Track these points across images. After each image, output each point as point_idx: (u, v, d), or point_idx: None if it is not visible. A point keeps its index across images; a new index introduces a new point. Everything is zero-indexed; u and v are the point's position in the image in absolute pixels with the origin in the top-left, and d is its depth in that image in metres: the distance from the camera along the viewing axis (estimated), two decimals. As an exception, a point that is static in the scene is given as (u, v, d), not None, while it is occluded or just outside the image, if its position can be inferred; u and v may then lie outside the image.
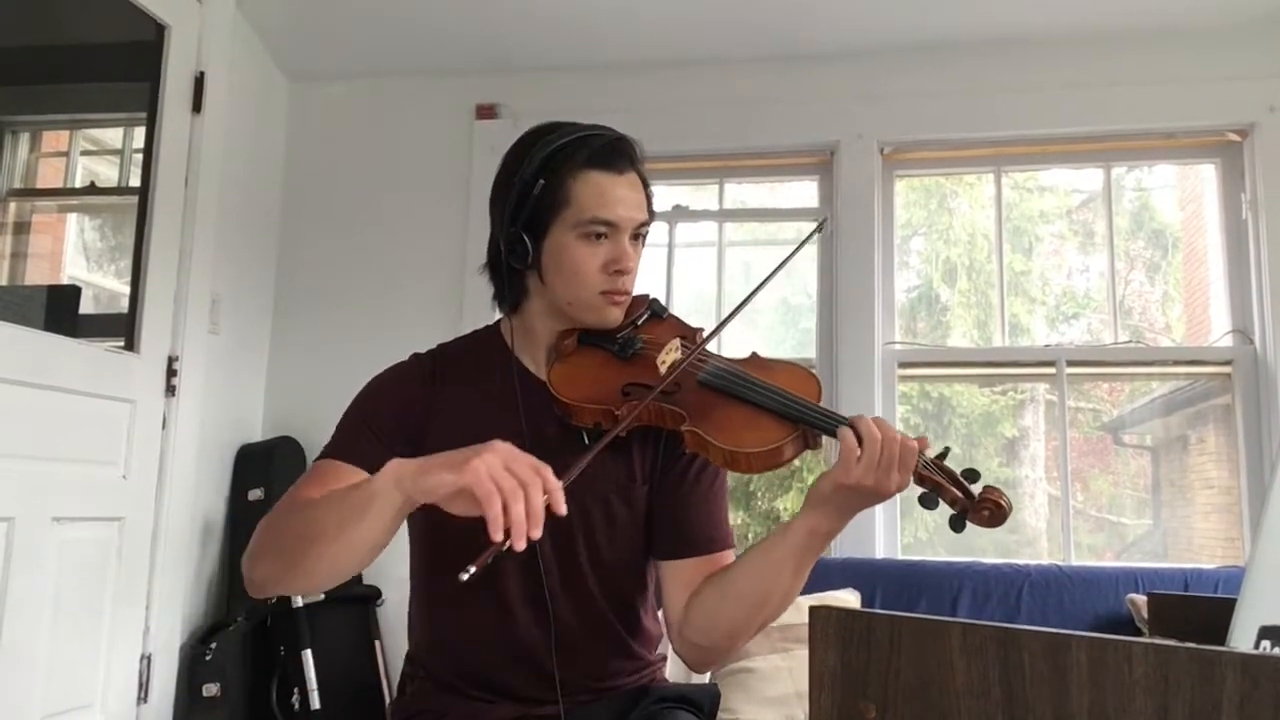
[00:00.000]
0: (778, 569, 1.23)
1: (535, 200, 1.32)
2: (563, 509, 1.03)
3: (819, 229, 1.43)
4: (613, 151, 1.35)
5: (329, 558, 1.14)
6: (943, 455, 1.21)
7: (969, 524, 1.18)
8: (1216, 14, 2.88)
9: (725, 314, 1.37)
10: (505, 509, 0.99)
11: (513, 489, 1.00)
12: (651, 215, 1.40)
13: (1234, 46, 2.92)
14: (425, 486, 1.04)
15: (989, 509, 1.16)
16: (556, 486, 1.03)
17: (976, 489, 1.18)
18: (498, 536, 0.98)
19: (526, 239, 1.33)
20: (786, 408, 1.23)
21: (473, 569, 0.97)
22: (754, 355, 1.37)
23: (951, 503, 1.18)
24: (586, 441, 1.33)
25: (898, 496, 3.14)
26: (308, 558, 1.15)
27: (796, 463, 2.90)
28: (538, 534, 1.00)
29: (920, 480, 1.19)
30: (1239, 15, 2.88)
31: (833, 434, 1.19)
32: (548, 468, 1.04)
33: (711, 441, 1.22)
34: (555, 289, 1.35)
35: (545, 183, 1.32)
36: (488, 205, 1.46)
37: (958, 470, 1.19)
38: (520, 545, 0.98)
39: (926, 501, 1.20)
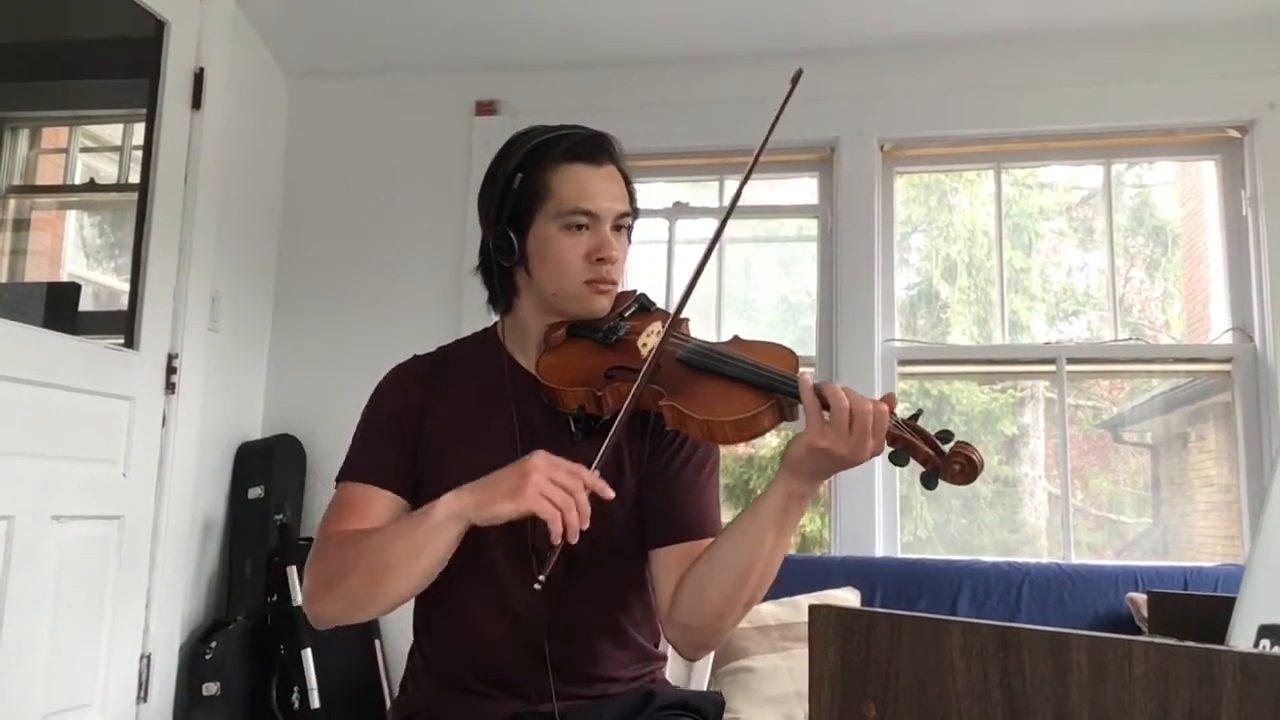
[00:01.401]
0: (760, 535, 1.24)
1: (516, 195, 1.37)
2: (609, 495, 1.20)
3: (795, 80, 1.45)
4: (589, 145, 1.39)
5: (400, 587, 1.26)
6: (915, 416, 1.21)
7: (941, 481, 1.18)
8: (1216, 11, 2.88)
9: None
10: (563, 519, 1.15)
11: (564, 500, 1.16)
12: (634, 208, 1.44)
13: (1234, 43, 2.91)
14: (489, 515, 1.19)
15: (960, 463, 1.16)
16: (595, 480, 1.19)
17: (948, 447, 1.18)
18: (557, 540, 1.15)
19: (512, 235, 1.37)
20: (760, 378, 1.25)
21: (543, 577, 1.15)
22: (736, 338, 1.39)
23: (923, 461, 1.18)
24: (574, 429, 1.36)
25: (896, 495, 3.12)
26: (381, 590, 1.26)
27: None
28: (587, 525, 1.17)
29: (891, 439, 1.19)
30: (1239, 12, 2.87)
31: (798, 398, 1.20)
32: (582, 467, 1.19)
33: (688, 414, 1.25)
34: (542, 281, 1.39)
35: (525, 176, 1.36)
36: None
37: (932, 432, 1.20)
38: (575, 540, 1.16)
39: (897, 459, 1.20)
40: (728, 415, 1.24)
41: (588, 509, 1.16)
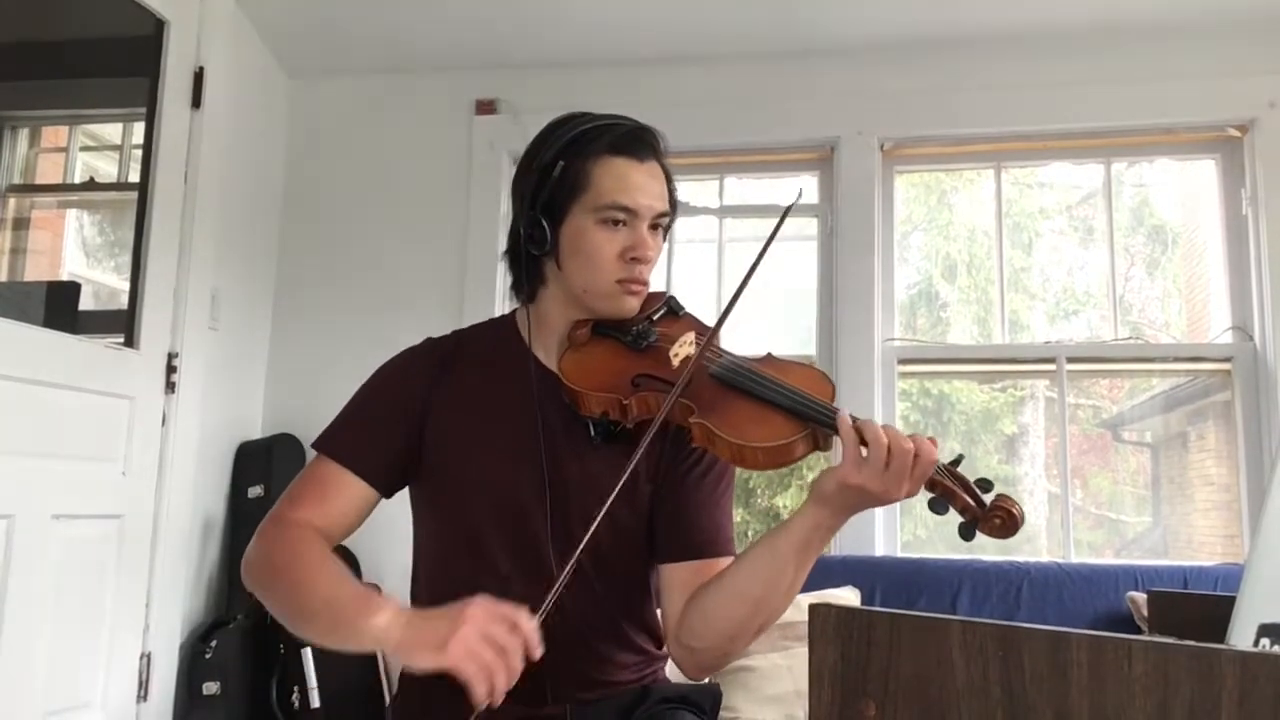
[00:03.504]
0: (780, 566, 1.20)
1: (555, 183, 1.32)
2: (536, 654, 1.08)
3: (792, 206, 1.42)
4: (635, 139, 1.35)
5: (308, 636, 1.24)
6: (956, 462, 1.17)
7: (979, 534, 1.14)
8: (1217, 10, 2.87)
9: (725, 307, 1.36)
10: (489, 684, 1.04)
11: (494, 662, 1.04)
12: (674, 207, 1.40)
13: (1234, 42, 2.91)
14: (407, 660, 1.09)
15: (1000, 517, 1.13)
16: (532, 633, 1.07)
17: (988, 498, 1.14)
18: (480, 706, 1.03)
19: (545, 224, 1.33)
20: (797, 405, 1.20)
21: None
22: (769, 355, 1.34)
23: (962, 510, 1.15)
24: (593, 433, 1.32)
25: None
26: (296, 624, 1.25)
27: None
28: (513, 683, 1.06)
29: (931, 486, 1.15)
30: (1239, 11, 2.87)
31: (836, 430, 1.17)
32: (523, 617, 1.08)
33: (720, 435, 1.20)
34: (572, 275, 1.35)
35: (565, 165, 1.32)
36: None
37: (971, 478, 1.16)
38: (498, 703, 1.05)
39: (937, 507, 1.16)
40: (761, 441, 1.18)
41: (519, 670, 1.05)
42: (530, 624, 1.07)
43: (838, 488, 1.15)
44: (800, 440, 1.19)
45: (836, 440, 1.17)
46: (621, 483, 1.16)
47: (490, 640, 1.04)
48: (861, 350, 3.02)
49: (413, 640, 1.09)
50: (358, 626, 1.13)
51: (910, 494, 1.14)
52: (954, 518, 1.17)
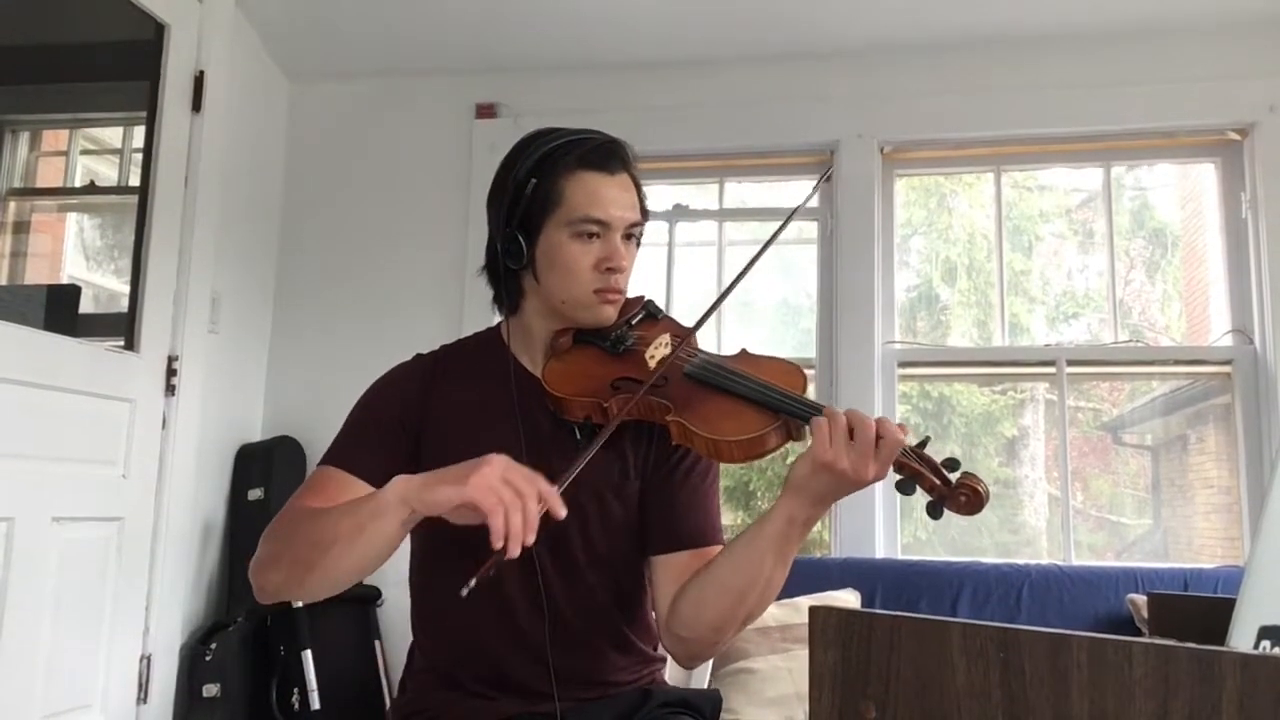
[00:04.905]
0: (759, 558, 1.23)
1: (528, 200, 1.36)
2: (561, 513, 1.10)
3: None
4: (604, 153, 1.38)
5: (341, 564, 1.20)
6: (922, 444, 1.22)
7: (946, 511, 1.18)
8: (1217, 13, 2.88)
9: (722, 311, 1.38)
10: (505, 519, 1.05)
11: (511, 500, 1.06)
12: (645, 216, 1.43)
13: (1234, 45, 2.92)
14: (430, 501, 1.11)
15: (965, 495, 1.17)
16: (551, 493, 1.10)
17: (954, 476, 1.18)
18: (498, 544, 1.05)
19: (521, 239, 1.37)
20: (768, 398, 1.26)
21: (473, 582, 1.05)
22: (743, 351, 1.40)
23: (929, 490, 1.19)
24: (579, 436, 1.36)
25: (896, 496, 3.12)
26: (321, 564, 1.20)
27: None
28: (532, 539, 1.07)
29: (899, 467, 1.20)
30: (1239, 14, 2.88)
31: (807, 420, 1.21)
32: (541, 477, 1.11)
33: (695, 431, 1.25)
34: (550, 288, 1.38)
35: (538, 182, 1.36)
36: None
37: (938, 460, 1.20)
38: (515, 552, 1.05)
39: (904, 488, 1.21)
40: (734, 434, 1.23)
41: (535, 519, 1.07)
42: (548, 485, 1.10)
43: (811, 469, 1.18)
44: (772, 432, 1.24)
45: (809, 430, 1.21)
46: (588, 455, 1.19)
47: (509, 482, 1.08)
48: (861, 353, 3.02)
49: (433, 481, 1.12)
50: (379, 501, 1.15)
51: (879, 475, 1.17)
52: (927, 502, 1.20)
